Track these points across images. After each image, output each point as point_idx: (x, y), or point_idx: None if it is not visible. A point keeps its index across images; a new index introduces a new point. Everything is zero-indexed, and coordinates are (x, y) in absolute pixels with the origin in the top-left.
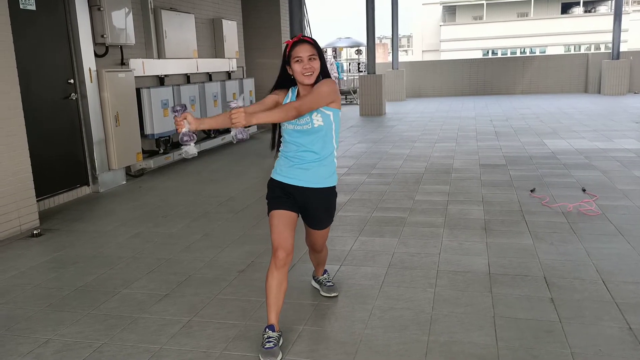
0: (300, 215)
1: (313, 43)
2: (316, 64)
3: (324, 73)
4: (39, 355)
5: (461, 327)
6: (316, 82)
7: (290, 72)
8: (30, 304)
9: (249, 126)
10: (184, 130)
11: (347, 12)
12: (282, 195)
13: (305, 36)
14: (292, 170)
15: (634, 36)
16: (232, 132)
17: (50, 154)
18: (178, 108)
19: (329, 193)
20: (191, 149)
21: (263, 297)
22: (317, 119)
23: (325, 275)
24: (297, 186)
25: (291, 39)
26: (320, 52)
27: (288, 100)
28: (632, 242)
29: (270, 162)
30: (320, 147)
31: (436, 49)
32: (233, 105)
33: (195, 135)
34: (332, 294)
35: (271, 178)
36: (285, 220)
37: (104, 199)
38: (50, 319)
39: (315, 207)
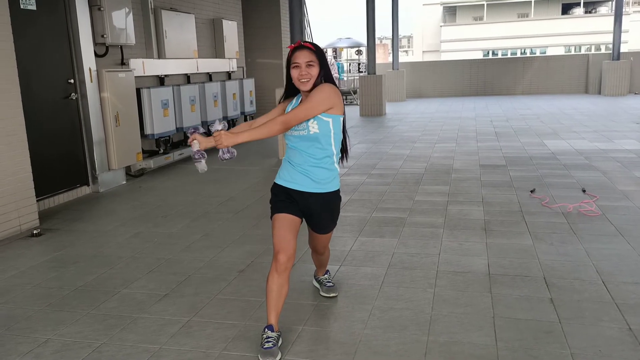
0: (304, 219)
1: (313, 49)
2: (314, 71)
3: (327, 78)
4: (39, 355)
5: (461, 328)
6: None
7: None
8: (30, 303)
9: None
10: (194, 149)
11: (347, 13)
12: (285, 200)
13: (305, 42)
14: (294, 175)
15: (634, 37)
16: (219, 153)
17: (50, 153)
18: (192, 130)
19: (332, 197)
20: (201, 165)
21: (263, 298)
22: (312, 126)
23: (326, 275)
24: (300, 191)
25: (291, 40)
26: (321, 58)
27: (290, 108)
28: (632, 243)
29: (271, 162)
30: (318, 153)
31: (436, 50)
32: (212, 129)
33: (205, 154)
34: (331, 294)
35: (274, 183)
36: (287, 224)
37: (104, 198)
38: (49, 318)
39: (318, 212)
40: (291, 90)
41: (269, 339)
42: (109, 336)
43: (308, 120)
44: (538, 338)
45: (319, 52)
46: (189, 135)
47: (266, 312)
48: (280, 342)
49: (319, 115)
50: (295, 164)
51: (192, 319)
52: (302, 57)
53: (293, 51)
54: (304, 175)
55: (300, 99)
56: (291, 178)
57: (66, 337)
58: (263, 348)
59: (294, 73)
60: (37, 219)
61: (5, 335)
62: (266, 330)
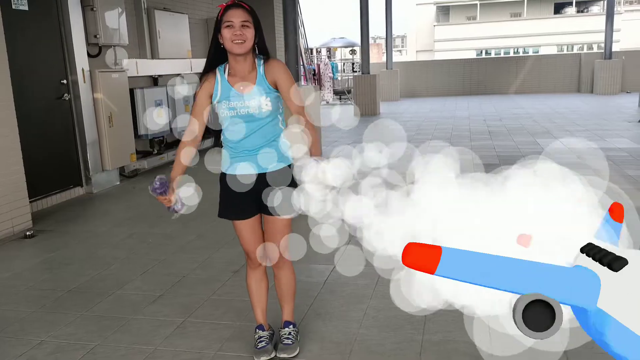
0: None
1: (249, 9)
2: (249, 33)
3: (262, 46)
4: (33, 357)
5: (455, 326)
6: (263, 60)
7: (221, 42)
8: (24, 305)
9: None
10: (176, 203)
11: (341, 12)
12: (237, 202)
13: (241, 1)
14: (241, 161)
15: (626, 36)
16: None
17: (44, 154)
18: (158, 184)
19: (288, 172)
20: (189, 209)
21: None
22: (266, 104)
23: (287, 328)
24: (251, 174)
25: (285, 40)
26: (256, 21)
27: (219, 86)
28: None
29: None
30: (269, 132)
31: (430, 49)
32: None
33: (184, 202)
34: (283, 355)
35: (222, 173)
36: (249, 228)
37: (98, 199)
38: (43, 320)
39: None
40: (213, 62)
41: (261, 339)
42: (103, 337)
43: (260, 97)
44: None
45: (254, 14)
46: (159, 192)
47: (253, 313)
48: (275, 340)
49: (272, 92)
50: (238, 147)
51: (187, 320)
52: (237, 16)
53: (226, 10)
54: (251, 158)
55: (224, 71)
56: (238, 164)
57: (60, 338)
58: (257, 348)
59: (227, 33)
60: (30, 221)
61: None
62: (257, 330)
